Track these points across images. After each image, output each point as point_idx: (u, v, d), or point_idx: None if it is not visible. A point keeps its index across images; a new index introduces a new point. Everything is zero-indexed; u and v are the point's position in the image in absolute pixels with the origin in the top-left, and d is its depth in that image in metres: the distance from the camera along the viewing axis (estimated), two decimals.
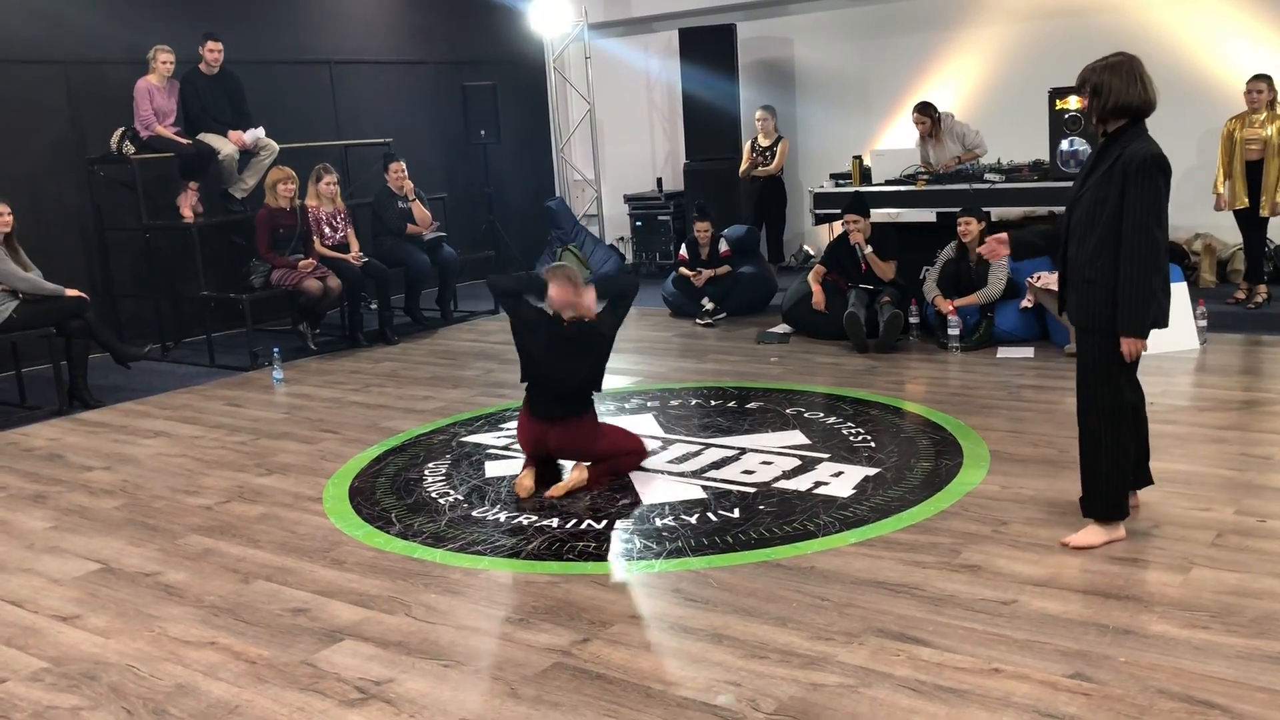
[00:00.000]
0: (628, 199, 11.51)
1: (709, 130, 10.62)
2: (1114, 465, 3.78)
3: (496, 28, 11.85)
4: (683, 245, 8.99)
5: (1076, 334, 3.98)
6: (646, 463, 5.07)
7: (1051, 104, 7.25)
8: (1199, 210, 7.89)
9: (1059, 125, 7.26)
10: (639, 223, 11.38)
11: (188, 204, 8.44)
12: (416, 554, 4.20)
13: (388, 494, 4.93)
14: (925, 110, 8.32)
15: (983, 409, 5.63)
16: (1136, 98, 3.64)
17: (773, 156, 10.05)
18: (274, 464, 5.50)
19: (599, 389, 4.93)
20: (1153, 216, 3.59)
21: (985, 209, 7.24)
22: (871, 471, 4.77)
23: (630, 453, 4.97)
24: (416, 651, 3.39)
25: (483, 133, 10.84)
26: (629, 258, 11.42)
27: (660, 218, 11.23)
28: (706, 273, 8.59)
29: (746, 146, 10.29)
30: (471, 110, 10.86)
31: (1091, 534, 3.84)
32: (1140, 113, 3.68)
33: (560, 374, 4.79)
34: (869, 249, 7.31)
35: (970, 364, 6.67)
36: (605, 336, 4.85)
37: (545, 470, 4.93)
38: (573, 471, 4.81)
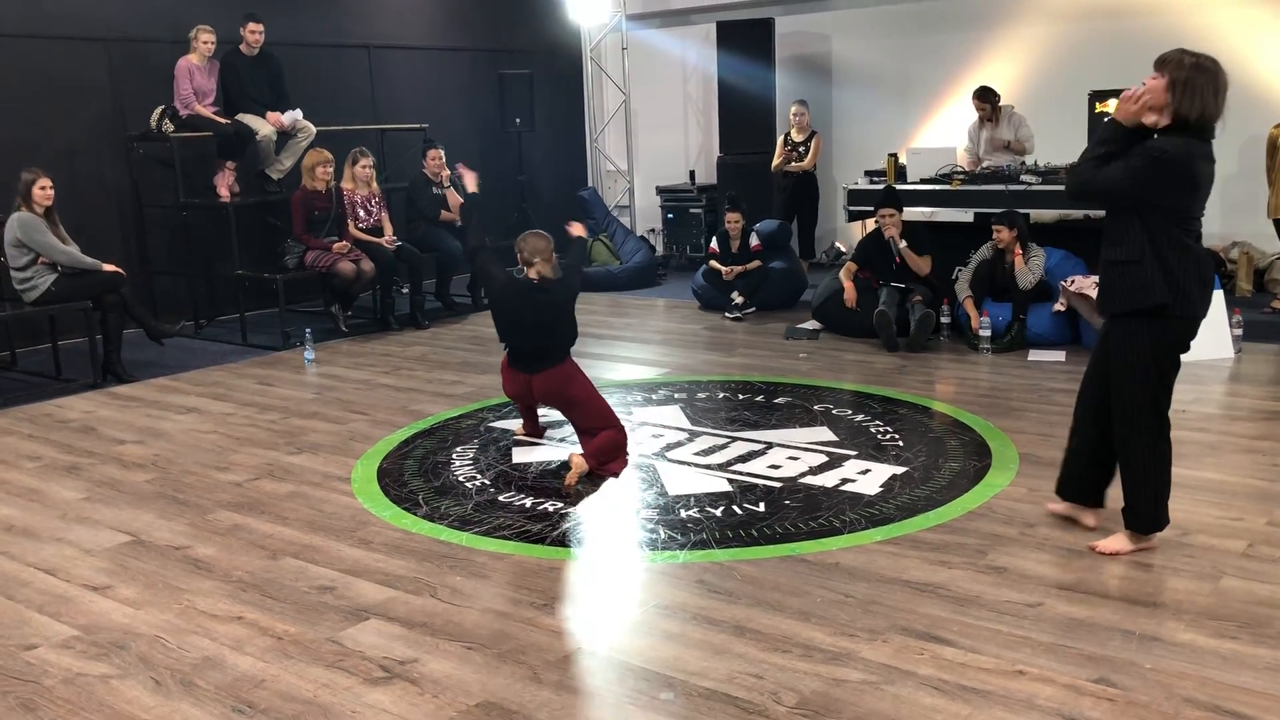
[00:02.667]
0: (660, 191, 11.50)
1: (744, 124, 10.59)
2: (1145, 476, 3.73)
3: (535, 17, 11.87)
4: (713, 238, 8.98)
5: (1106, 329, 3.87)
6: (673, 454, 5.08)
7: (1091, 106, 7.19)
8: (1237, 218, 7.81)
9: (1098, 128, 7.19)
10: (670, 215, 11.38)
11: (225, 183, 8.50)
12: (443, 536, 4.22)
13: (415, 476, 4.96)
14: (986, 96, 8.29)
15: (1013, 411, 5.59)
16: (1206, 110, 3.50)
17: (806, 152, 10.02)
18: (304, 443, 5.55)
19: (574, 338, 5.14)
20: (1085, 166, 3.60)
21: (1022, 211, 7.18)
22: (899, 470, 4.76)
23: (613, 442, 4.92)
24: (440, 633, 3.42)
25: (518, 121, 10.86)
26: (659, 249, 11.42)
27: (692, 210, 11.21)
28: (737, 268, 8.57)
29: (779, 141, 10.25)
30: (507, 98, 10.88)
31: (1121, 541, 3.81)
32: (1196, 126, 3.52)
33: (538, 328, 5.01)
34: (904, 243, 7.27)
35: (1001, 366, 6.63)
36: (570, 289, 5.15)
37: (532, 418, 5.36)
38: (573, 467, 4.82)
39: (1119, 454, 3.81)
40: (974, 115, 8.70)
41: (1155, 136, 3.60)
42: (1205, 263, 3.64)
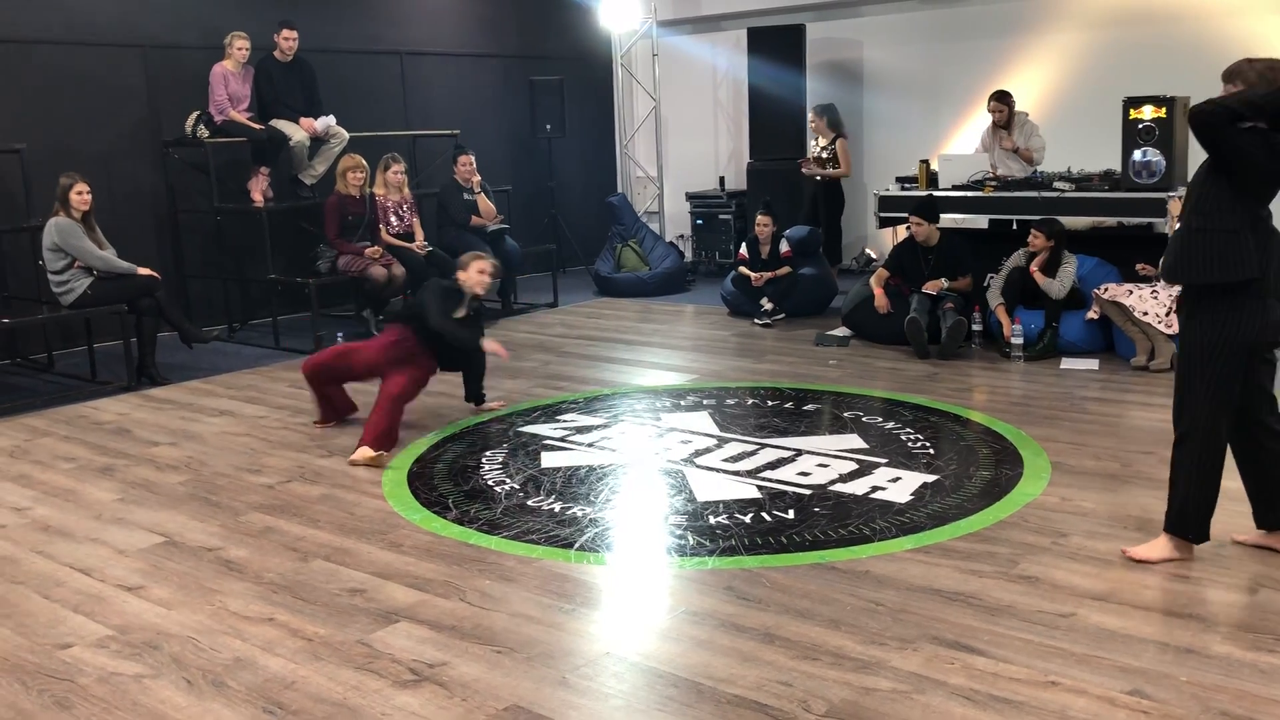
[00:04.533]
0: (689, 197, 11.50)
1: (774, 130, 10.58)
2: (1188, 479, 3.67)
3: (565, 23, 11.91)
4: (743, 244, 8.96)
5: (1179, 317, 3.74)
6: (701, 460, 5.08)
7: (1125, 113, 7.13)
8: None
9: (1132, 135, 7.12)
10: (700, 221, 11.38)
11: (258, 189, 8.58)
12: (472, 540, 4.24)
13: (445, 480, 4.98)
14: (1003, 99, 8.24)
15: (1045, 420, 5.55)
16: None
17: (832, 156, 9.82)
18: (335, 446, 5.58)
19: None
20: (1211, 110, 3.45)
21: (1054, 218, 7.13)
22: (930, 478, 4.73)
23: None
24: (470, 636, 3.43)
25: (548, 127, 10.90)
26: (688, 256, 11.42)
27: (721, 216, 11.21)
28: (766, 274, 8.55)
29: (810, 147, 10.11)
30: (538, 104, 10.92)
31: (1154, 548, 3.77)
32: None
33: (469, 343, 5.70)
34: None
35: (1033, 374, 6.58)
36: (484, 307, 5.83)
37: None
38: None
39: (1179, 448, 3.67)
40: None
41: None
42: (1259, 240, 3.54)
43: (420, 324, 5.61)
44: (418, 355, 5.61)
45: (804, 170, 9.74)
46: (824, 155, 9.68)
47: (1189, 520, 3.70)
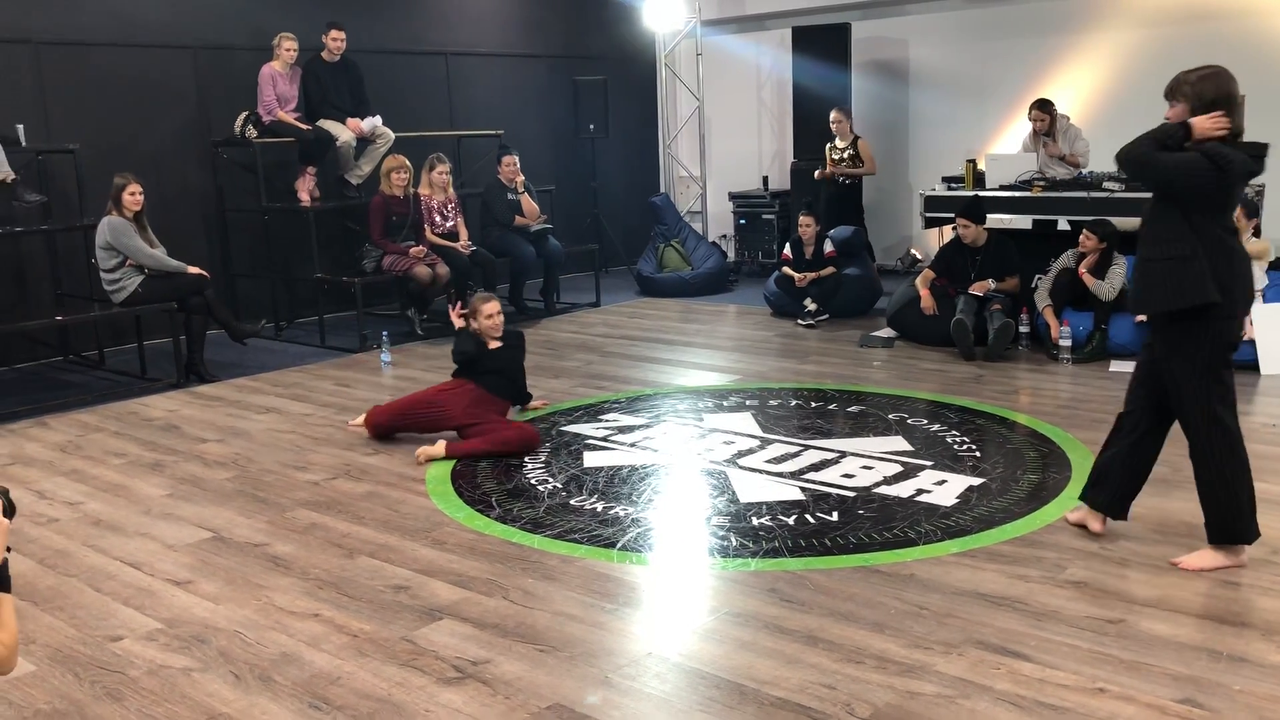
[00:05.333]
0: (732, 196, 11.47)
1: (819, 129, 10.49)
2: (1220, 485, 3.64)
3: (609, 23, 11.92)
4: (786, 244, 8.92)
5: (1149, 337, 3.85)
6: (744, 461, 5.07)
7: None
8: None
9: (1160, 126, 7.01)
10: (743, 221, 11.34)
11: (305, 188, 8.67)
12: (515, 539, 4.25)
13: (488, 478, 5.00)
14: (1044, 107, 8.14)
15: (1093, 423, 5.47)
16: (1238, 128, 3.58)
17: (854, 158, 9.71)
18: (379, 444, 5.62)
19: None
20: (1147, 141, 3.58)
21: (1106, 219, 7.03)
22: (976, 481, 4.68)
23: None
24: (513, 634, 3.44)
25: (592, 127, 10.91)
26: (731, 255, 11.39)
27: (764, 216, 11.17)
28: (810, 275, 8.51)
29: (827, 149, 9.85)
30: (581, 104, 10.94)
31: (1206, 558, 3.71)
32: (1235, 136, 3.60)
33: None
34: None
35: (1081, 376, 6.50)
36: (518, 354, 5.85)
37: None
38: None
39: (1193, 464, 3.73)
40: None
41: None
42: (1243, 259, 3.64)
43: (472, 368, 5.63)
44: (492, 400, 5.62)
45: (829, 174, 9.63)
46: (846, 155, 9.58)
47: (1233, 528, 3.66)
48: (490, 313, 5.69)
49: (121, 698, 3.15)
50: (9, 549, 2.25)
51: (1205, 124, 3.58)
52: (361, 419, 5.81)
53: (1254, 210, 6.61)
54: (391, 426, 5.63)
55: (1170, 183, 3.61)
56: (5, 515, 2.25)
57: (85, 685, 3.23)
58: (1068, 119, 8.27)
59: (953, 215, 7.50)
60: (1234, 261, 3.58)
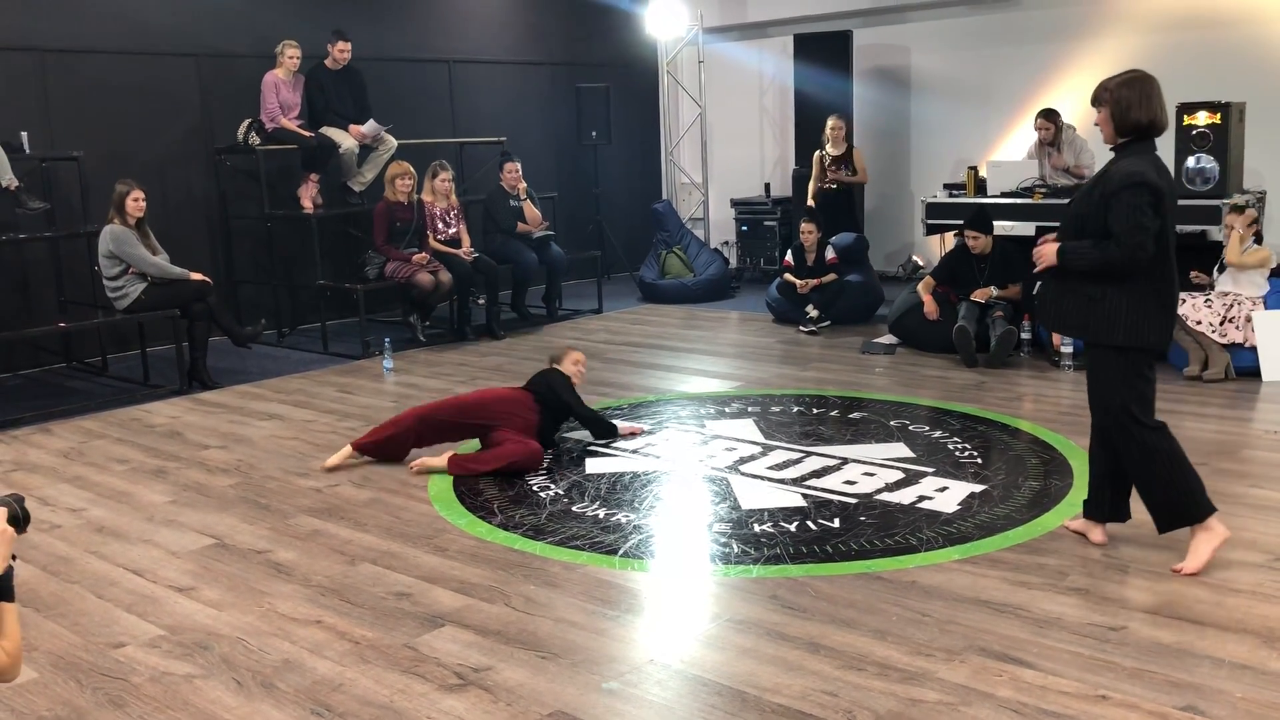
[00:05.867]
0: (734, 203, 11.49)
1: (821, 136, 10.53)
2: (1162, 478, 3.68)
3: (611, 30, 11.95)
4: (788, 251, 8.93)
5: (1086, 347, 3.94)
6: (746, 468, 5.07)
7: (1179, 119, 7.03)
8: None
9: (1186, 141, 7.03)
10: (745, 227, 11.36)
11: (308, 195, 8.69)
12: (517, 545, 4.25)
13: (490, 485, 5.01)
14: (1050, 117, 8.15)
15: None
16: (1144, 115, 3.63)
17: (848, 167, 9.67)
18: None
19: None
20: (1138, 232, 3.55)
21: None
22: (978, 488, 4.68)
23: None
24: (515, 641, 3.44)
25: (594, 134, 10.94)
26: (733, 262, 11.40)
27: (766, 223, 11.18)
28: (812, 281, 8.52)
29: (815, 158, 9.72)
30: (584, 111, 10.97)
31: (1196, 552, 3.71)
32: (1147, 131, 3.66)
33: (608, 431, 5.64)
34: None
35: (1083, 384, 6.39)
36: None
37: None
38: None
39: (1126, 468, 3.78)
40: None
41: (1115, 160, 3.72)
42: (1166, 289, 3.66)
43: (555, 404, 5.49)
44: (534, 427, 5.41)
45: (829, 181, 9.58)
46: (841, 162, 9.56)
47: (1187, 508, 3.70)
48: (579, 359, 5.73)
49: (124, 704, 3.15)
50: (14, 557, 2.26)
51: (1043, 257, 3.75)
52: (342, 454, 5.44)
53: (1252, 217, 6.60)
54: (444, 424, 5.39)
55: (1151, 239, 3.60)
56: (15, 526, 2.26)
57: (87, 692, 3.23)
58: (1073, 129, 8.27)
59: (955, 222, 7.51)
60: (1150, 293, 3.64)
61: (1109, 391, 3.73)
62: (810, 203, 9.62)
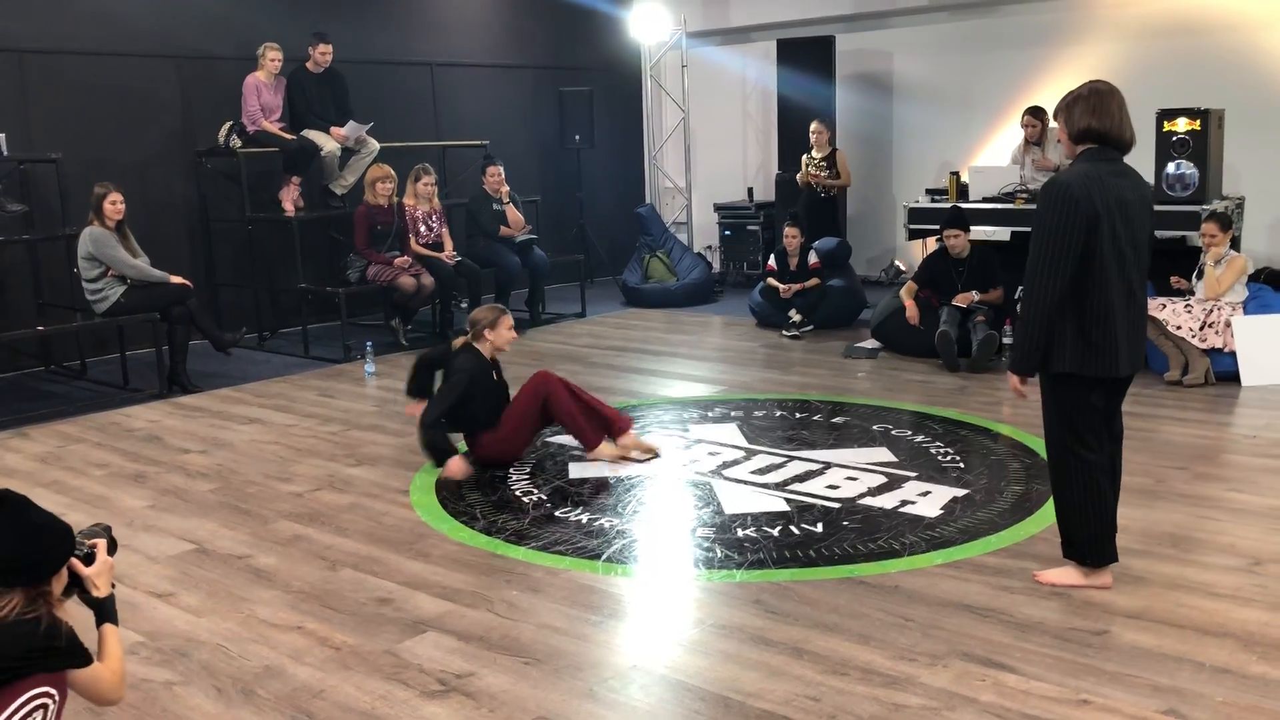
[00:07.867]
0: (717, 208, 11.50)
1: (803, 141, 10.51)
2: (1071, 507, 3.62)
3: (595, 35, 11.94)
4: (771, 256, 8.95)
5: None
6: (729, 473, 5.07)
7: (1159, 125, 7.07)
8: None
9: (1166, 148, 7.08)
10: (728, 232, 11.37)
11: (289, 198, 8.65)
12: (499, 550, 4.24)
13: (473, 490, 4.99)
14: (1038, 114, 8.19)
15: None
16: (1096, 123, 3.56)
17: (830, 169, 9.70)
18: (363, 455, 5.60)
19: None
20: (1040, 250, 3.51)
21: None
22: (960, 492, 4.69)
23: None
24: (497, 647, 3.43)
25: (577, 138, 10.93)
26: (716, 267, 11.41)
27: (749, 228, 11.19)
28: (795, 286, 8.54)
29: (804, 160, 9.80)
30: (567, 115, 10.96)
31: (1064, 574, 3.71)
32: (1102, 139, 3.57)
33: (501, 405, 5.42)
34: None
35: None
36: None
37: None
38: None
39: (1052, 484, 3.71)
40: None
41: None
42: (1087, 319, 3.50)
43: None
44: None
45: (812, 183, 9.61)
46: (821, 165, 9.59)
47: (1082, 548, 3.65)
48: (512, 323, 5.47)
49: (101, 712, 3.11)
50: (114, 584, 2.53)
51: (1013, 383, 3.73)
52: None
53: (1227, 223, 6.64)
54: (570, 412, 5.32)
55: (1069, 255, 3.54)
56: (109, 553, 2.40)
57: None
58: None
59: (937, 227, 7.53)
60: (1097, 320, 3.55)
61: (1045, 417, 3.71)
62: (800, 185, 9.67)
